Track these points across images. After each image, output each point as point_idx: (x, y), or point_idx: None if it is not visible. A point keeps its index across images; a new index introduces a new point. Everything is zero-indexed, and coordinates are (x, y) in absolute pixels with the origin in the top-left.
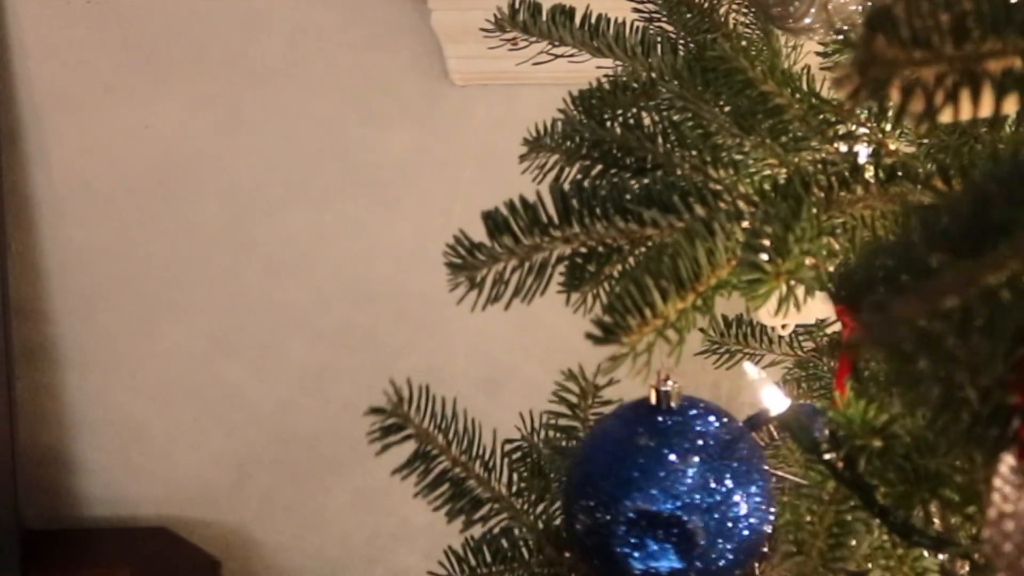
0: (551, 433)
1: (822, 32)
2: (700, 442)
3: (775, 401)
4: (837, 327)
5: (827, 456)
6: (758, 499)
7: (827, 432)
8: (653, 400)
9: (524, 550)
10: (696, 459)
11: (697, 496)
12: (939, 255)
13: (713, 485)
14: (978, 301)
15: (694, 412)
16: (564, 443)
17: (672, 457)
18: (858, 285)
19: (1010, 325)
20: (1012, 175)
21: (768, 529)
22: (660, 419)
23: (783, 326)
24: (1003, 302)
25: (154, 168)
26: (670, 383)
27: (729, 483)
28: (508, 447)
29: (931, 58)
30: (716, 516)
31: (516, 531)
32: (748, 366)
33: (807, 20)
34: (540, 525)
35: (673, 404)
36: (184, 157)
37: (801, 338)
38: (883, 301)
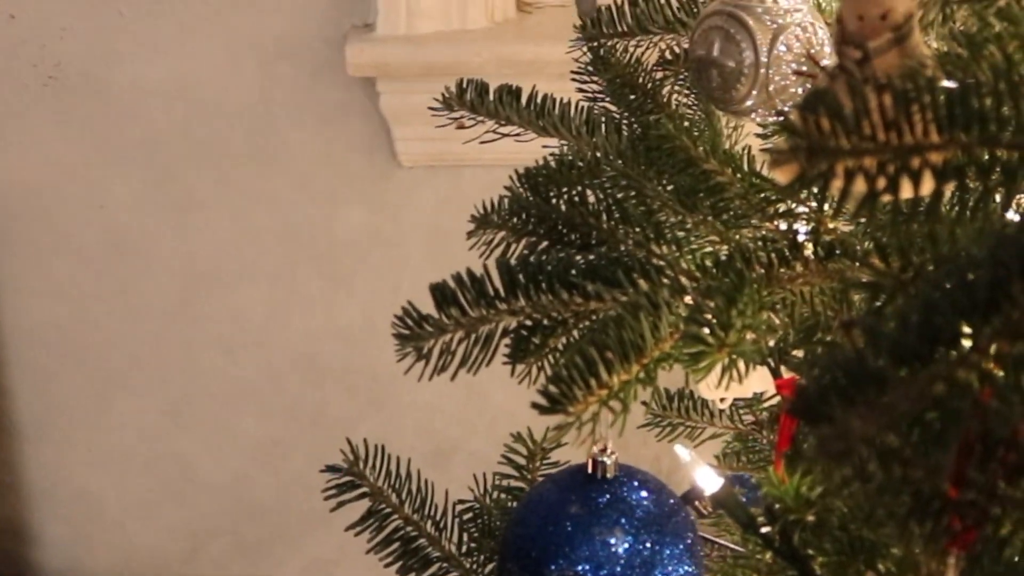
0: (500, 495)
1: (763, 113)
2: (631, 514)
3: (709, 479)
4: (776, 401)
5: (763, 530)
6: (687, 572)
7: (763, 505)
8: (590, 469)
9: None
10: (625, 530)
11: (623, 567)
12: (889, 367)
13: (640, 557)
14: (927, 410)
15: (628, 483)
16: (513, 504)
17: (602, 527)
18: (812, 398)
19: (956, 430)
20: (956, 283)
21: None
22: (594, 488)
23: (722, 399)
24: (950, 409)
25: (109, 246)
26: (608, 453)
27: (657, 556)
28: (460, 508)
29: (874, 148)
30: None
31: None
32: (679, 448)
33: (748, 102)
34: None
35: (609, 474)
36: (139, 235)
37: (741, 412)
38: (836, 415)
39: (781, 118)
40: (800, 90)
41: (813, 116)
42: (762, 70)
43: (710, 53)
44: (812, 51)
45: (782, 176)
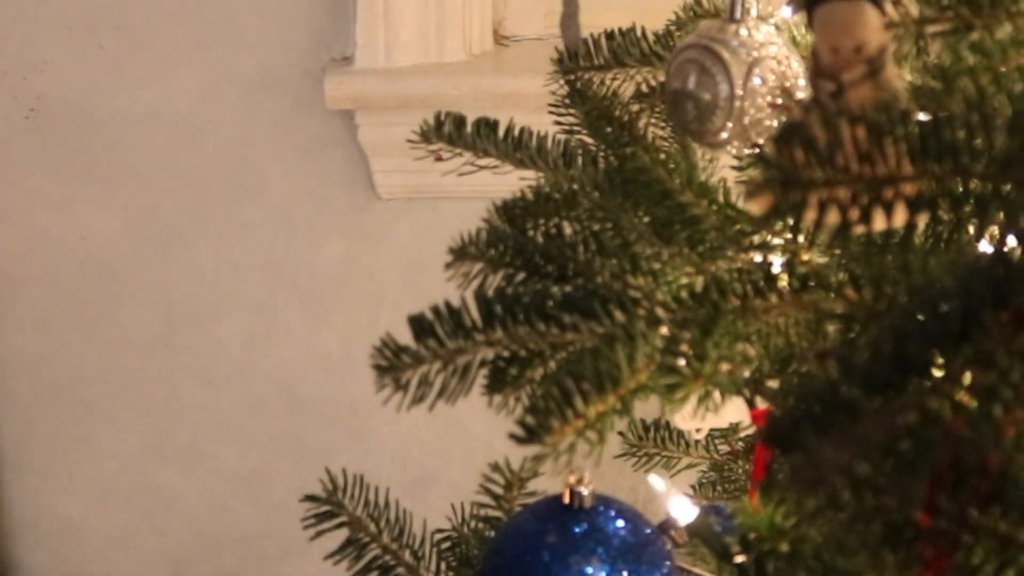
0: (478, 524)
1: (738, 146)
2: (608, 543)
3: (684, 509)
4: (751, 431)
5: (737, 559)
6: None
7: (738, 535)
8: (567, 499)
9: None
10: (603, 560)
11: None
12: (862, 397)
13: None
14: (900, 439)
15: (605, 513)
16: (490, 534)
17: (579, 556)
18: (785, 428)
19: (929, 459)
20: (928, 313)
21: None
22: (571, 518)
23: (698, 430)
24: (923, 438)
25: (91, 278)
26: (585, 483)
27: None
28: (438, 537)
29: (847, 180)
30: None
31: None
32: (654, 479)
33: (723, 135)
34: None
35: (586, 504)
36: (119, 267)
37: (717, 442)
38: (809, 444)
39: (756, 150)
40: (775, 123)
41: (787, 148)
42: (737, 103)
43: (686, 86)
44: (787, 84)
45: (757, 207)
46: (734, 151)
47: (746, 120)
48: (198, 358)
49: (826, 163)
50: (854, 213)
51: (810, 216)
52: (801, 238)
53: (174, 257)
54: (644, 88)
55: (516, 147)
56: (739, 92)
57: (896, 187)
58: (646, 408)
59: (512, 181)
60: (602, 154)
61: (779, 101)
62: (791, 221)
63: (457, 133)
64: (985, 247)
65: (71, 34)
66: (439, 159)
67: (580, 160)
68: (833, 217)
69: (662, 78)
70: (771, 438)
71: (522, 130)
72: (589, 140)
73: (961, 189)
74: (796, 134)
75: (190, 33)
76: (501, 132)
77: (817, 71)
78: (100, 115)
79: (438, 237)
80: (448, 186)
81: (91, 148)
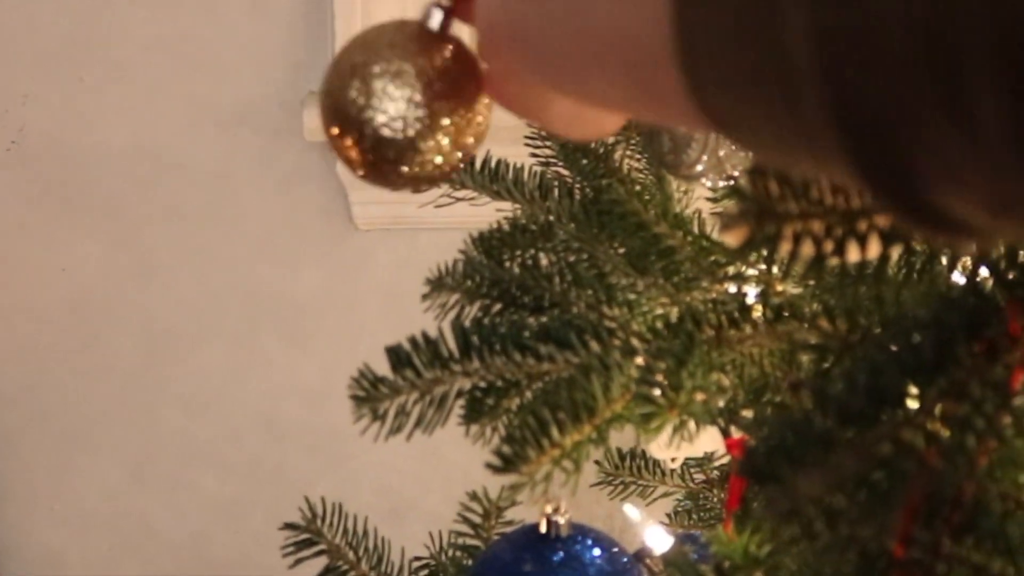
0: (456, 552)
1: (713, 178)
2: (584, 572)
3: (660, 538)
4: (726, 460)
5: None
6: None
7: (712, 564)
8: (543, 528)
9: None
10: None
11: None
12: (836, 428)
13: None
14: (874, 469)
15: (582, 541)
16: (468, 562)
17: None
18: (760, 458)
19: (903, 490)
20: (902, 345)
21: None
22: (548, 546)
23: (673, 459)
24: (897, 469)
25: (71, 308)
26: (561, 512)
27: None
28: (416, 565)
29: (821, 212)
30: None
31: None
32: (629, 508)
33: (699, 167)
34: None
35: (563, 533)
36: (100, 297)
37: (692, 471)
38: (784, 475)
39: (731, 182)
40: (749, 155)
41: (762, 180)
42: (712, 135)
43: None
44: None
45: (732, 239)
46: (709, 183)
47: (721, 152)
48: (179, 387)
49: (800, 196)
50: (828, 245)
51: (784, 248)
52: (776, 269)
53: (155, 287)
54: None
55: (493, 179)
56: None
57: (870, 219)
58: (622, 437)
59: (489, 212)
60: (578, 186)
61: None
62: (765, 253)
63: None
64: (958, 278)
65: (52, 67)
66: (416, 191)
67: (556, 192)
68: (807, 249)
69: None
70: (745, 468)
71: (499, 162)
72: (565, 172)
73: None
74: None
75: (170, 66)
76: (478, 164)
77: None
78: (81, 147)
79: (416, 267)
80: (425, 217)
81: (72, 180)
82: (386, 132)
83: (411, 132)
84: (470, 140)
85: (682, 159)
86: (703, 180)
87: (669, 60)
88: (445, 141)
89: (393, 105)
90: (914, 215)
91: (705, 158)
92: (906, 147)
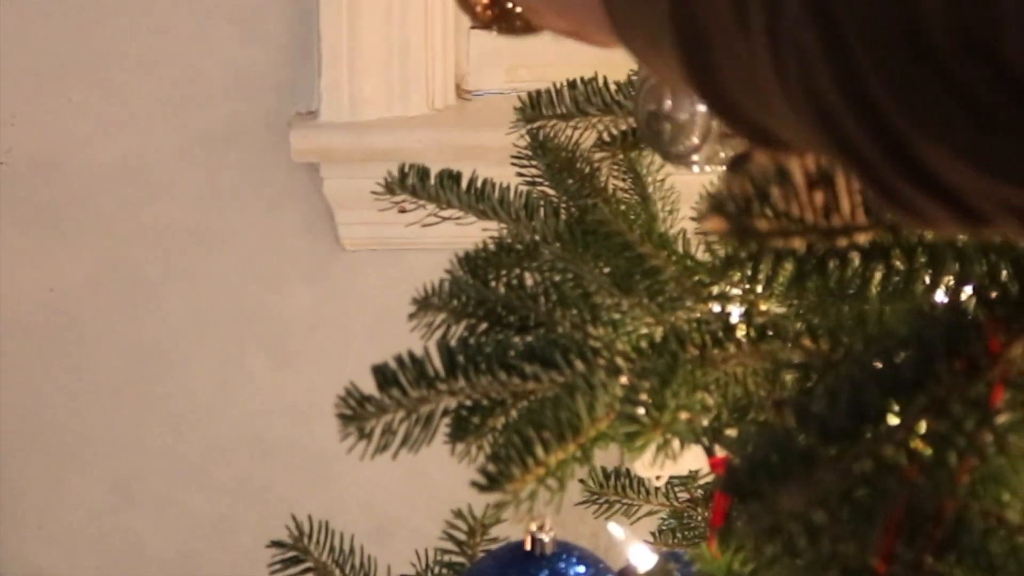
0: (441, 570)
1: (711, 164)
2: None
3: (644, 556)
4: (710, 478)
5: None
6: None
7: None
8: (528, 546)
9: None
10: None
11: None
12: (818, 445)
13: None
14: (855, 486)
15: (567, 560)
16: None
17: None
18: (743, 476)
19: (884, 506)
20: (884, 363)
21: None
22: (533, 564)
23: (657, 477)
24: (878, 486)
25: (60, 327)
26: (546, 530)
27: None
28: None
29: (801, 229)
30: None
31: None
32: (613, 527)
33: (698, 154)
34: None
35: (547, 551)
36: (88, 316)
37: (676, 489)
38: (766, 492)
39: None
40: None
41: (742, 177)
42: (714, 121)
43: (661, 107)
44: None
45: (711, 226)
46: (707, 169)
47: (719, 137)
48: (166, 406)
49: (781, 214)
50: (809, 263)
51: (766, 266)
52: (759, 288)
53: (143, 306)
54: (606, 136)
55: (479, 199)
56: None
57: (850, 237)
58: (606, 456)
59: (475, 232)
60: (563, 206)
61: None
62: (749, 272)
63: (421, 185)
64: (939, 296)
65: (40, 88)
66: (403, 211)
67: (542, 211)
68: (789, 267)
69: (623, 127)
70: (729, 486)
71: (485, 182)
72: (551, 192)
73: (916, 240)
74: (747, 172)
75: (157, 87)
76: (464, 184)
77: None
78: (69, 167)
79: (402, 287)
80: (412, 237)
81: (60, 200)
82: None
83: None
84: None
85: (683, 147)
86: (702, 167)
87: None
88: None
89: None
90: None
91: (705, 144)
92: (716, 55)
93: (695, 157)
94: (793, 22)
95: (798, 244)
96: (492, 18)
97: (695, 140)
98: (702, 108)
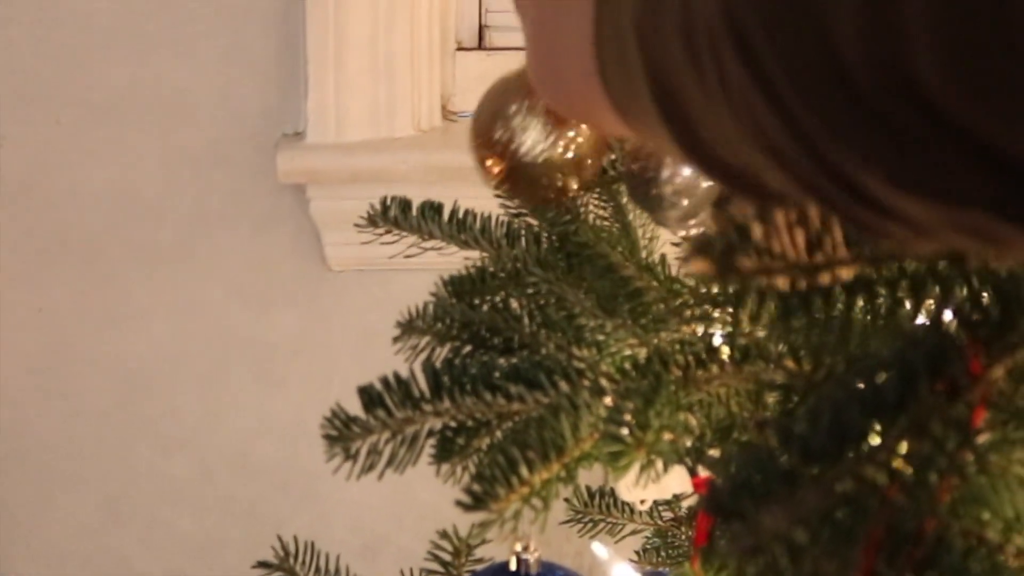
0: None
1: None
2: None
3: None
4: (694, 498)
5: None
6: None
7: None
8: (513, 566)
9: None
10: None
11: None
12: (800, 465)
13: None
14: (837, 506)
15: None
16: None
17: None
18: (725, 495)
19: (865, 526)
20: (865, 384)
21: None
22: None
23: (642, 502)
24: (859, 505)
25: (48, 348)
26: (531, 550)
27: None
28: None
29: (785, 267)
30: None
31: None
32: (597, 547)
33: (689, 217)
34: None
35: (532, 571)
36: (76, 337)
37: (661, 508)
38: (748, 512)
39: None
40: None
41: (726, 215)
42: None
43: (648, 170)
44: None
45: (695, 268)
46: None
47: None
48: (154, 426)
49: (764, 251)
50: (793, 299)
51: (750, 304)
52: (745, 324)
53: (130, 327)
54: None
55: (461, 229)
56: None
57: (833, 272)
58: (591, 475)
59: (460, 257)
60: (545, 234)
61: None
62: (732, 310)
63: (403, 216)
64: (922, 321)
65: (28, 111)
66: (386, 242)
67: (523, 239)
68: (773, 304)
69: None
70: (711, 506)
71: (466, 212)
72: (532, 220)
73: (896, 270)
74: (731, 212)
75: (145, 109)
76: (446, 215)
77: None
78: (57, 189)
79: (389, 308)
80: (398, 260)
81: (48, 221)
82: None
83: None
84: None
85: (674, 212)
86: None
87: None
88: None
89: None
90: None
91: (696, 211)
92: (690, 109)
93: (691, 222)
94: (730, 62)
95: (781, 282)
96: (504, 182)
97: (684, 203)
98: (687, 171)
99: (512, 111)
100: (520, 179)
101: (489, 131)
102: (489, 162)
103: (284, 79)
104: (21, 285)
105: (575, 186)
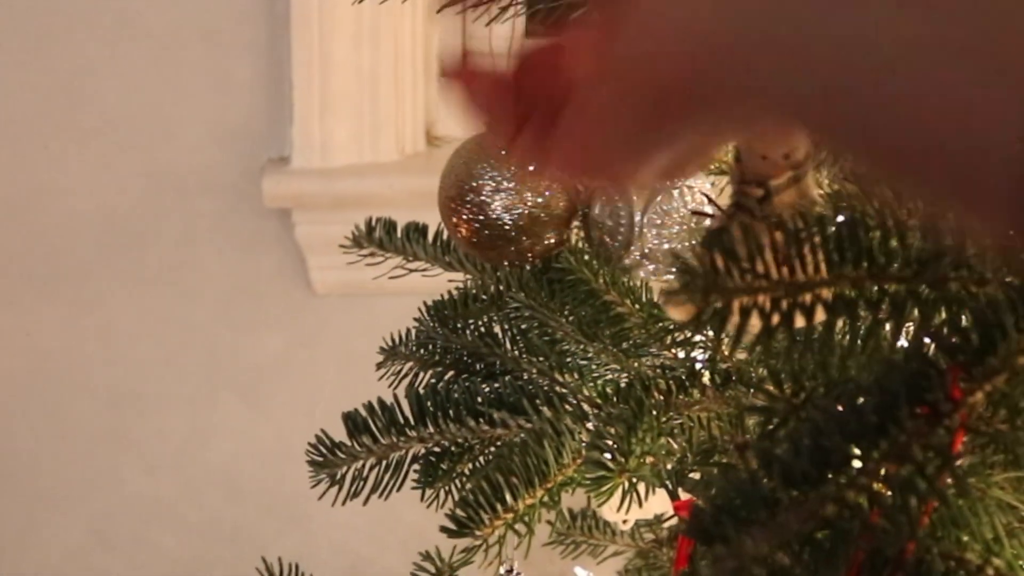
0: None
1: (649, 269)
2: None
3: None
4: (676, 520)
5: None
6: None
7: None
8: None
9: None
10: None
11: None
12: (781, 489)
13: None
14: (818, 529)
15: None
16: None
17: None
18: (706, 519)
19: (846, 550)
20: (846, 408)
21: None
22: None
23: (624, 522)
24: (840, 529)
25: (36, 371)
26: (514, 573)
27: None
28: None
29: (767, 286)
30: None
31: None
32: (580, 569)
33: (632, 258)
34: None
35: None
36: (63, 360)
37: (642, 530)
38: (730, 535)
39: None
40: (683, 245)
41: (709, 255)
42: (639, 228)
43: (594, 212)
44: (692, 207)
45: (677, 314)
46: (645, 273)
47: (651, 245)
48: (140, 449)
49: (747, 270)
50: (775, 318)
51: (733, 322)
52: (724, 339)
53: (117, 351)
54: None
55: (445, 251)
56: (644, 219)
57: (814, 291)
58: (573, 497)
59: (444, 280)
60: None
61: (703, 208)
62: (712, 329)
63: (388, 238)
64: (903, 344)
65: (16, 137)
66: (371, 263)
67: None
68: (755, 322)
69: None
70: (693, 530)
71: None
72: None
73: (877, 290)
74: (720, 241)
75: (132, 135)
76: (430, 236)
77: (743, 178)
78: (45, 214)
79: (373, 332)
80: (383, 283)
81: (36, 245)
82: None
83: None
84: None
85: (618, 251)
86: (641, 270)
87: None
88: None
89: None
90: None
91: (635, 250)
92: None
93: (632, 259)
94: None
95: (763, 300)
96: (473, 245)
97: (627, 245)
98: (633, 216)
99: (482, 174)
100: (489, 241)
101: (459, 193)
102: (456, 221)
103: (270, 105)
104: (9, 308)
105: (541, 249)
